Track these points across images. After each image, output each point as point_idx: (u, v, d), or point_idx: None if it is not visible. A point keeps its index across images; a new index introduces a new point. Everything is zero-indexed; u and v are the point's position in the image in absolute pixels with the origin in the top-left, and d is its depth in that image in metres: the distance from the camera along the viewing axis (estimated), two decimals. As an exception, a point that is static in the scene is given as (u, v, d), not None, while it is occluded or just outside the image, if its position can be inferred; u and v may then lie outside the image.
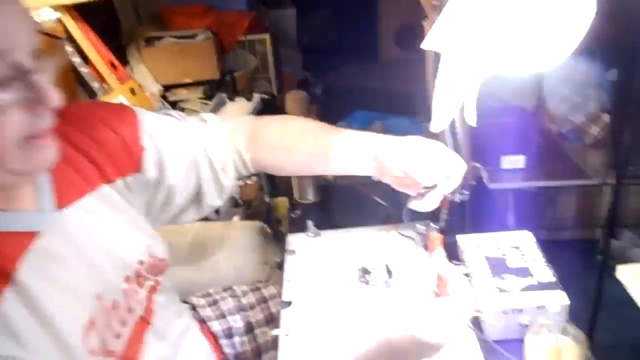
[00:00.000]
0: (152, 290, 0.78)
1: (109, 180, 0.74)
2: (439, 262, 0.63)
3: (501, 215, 1.13)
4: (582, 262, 2.12)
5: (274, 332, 0.87)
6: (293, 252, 1.06)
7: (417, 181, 0.82)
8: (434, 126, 0.82)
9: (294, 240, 1.09)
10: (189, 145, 0.84)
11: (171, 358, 0.79)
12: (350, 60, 3.86)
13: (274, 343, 0.85)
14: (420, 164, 0.81)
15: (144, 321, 0.74)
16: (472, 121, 0.80)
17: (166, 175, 0.81)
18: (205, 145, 0.85)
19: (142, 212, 0.81)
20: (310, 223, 1.09)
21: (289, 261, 1.03)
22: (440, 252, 0.82)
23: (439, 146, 0.83)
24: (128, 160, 0.76)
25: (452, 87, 0.72)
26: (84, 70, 2.03)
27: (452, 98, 0.75)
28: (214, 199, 0.89)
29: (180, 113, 0.91)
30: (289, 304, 0.92)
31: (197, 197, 0.87)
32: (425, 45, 0.71)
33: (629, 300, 0.87)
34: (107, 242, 0.70)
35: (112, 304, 0.68)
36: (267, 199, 1.85)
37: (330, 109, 2.88)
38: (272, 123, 0.94)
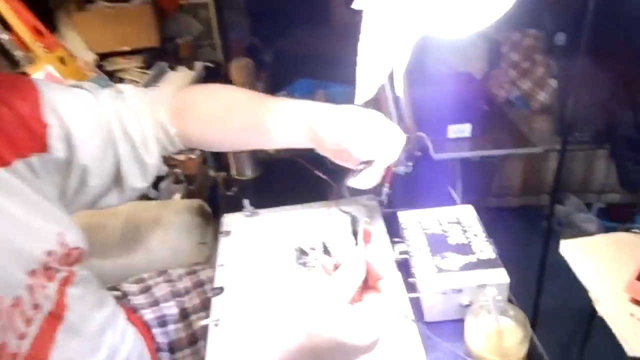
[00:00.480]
0: (65, 282, 0.71)
1: (3, 163, 0.65)
2: (370, 256, 0.57)
3: (446, 187, 1.09)
4: (528, 228, 2.17)
5: (203, 322, 0.81)
6: (228, 233, 0.99)
7: (352, 155, 0.76)
8: (359, 97, 0.76)
9: (229, 220, 1.02)
10: (103, 120, 0.75)
11: (89, 354, 0.72)
12: (301, 25, 3.72)
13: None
14: (354, 136, 0.76)
15: (54, 317, 0.67)
16: (400, 91, 0.74)
17: (77, 154, 0.72)
18: (122, 120, 0.78)
19: (54, 197, 0.73)
20: (246, 202, 1.02)
21: (223, 243, 0.97)
22: (374, 244, 0.77)
23: (376, 117, 0.77)
24: (28, 139, 0.67)
25: (378, 53, 0.65)
26: (4, 37, 1.85)
27: (378, 65, 0.68)
28: (136, 180, 0.81)
29: (92, 85, 0.81)
30: (220, 290, 0.86)
31: (117, 179, 0.80)
32: (355, 4, 0.63)
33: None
34: (3, 234, 0.62)
35: (13, 302, 0.60)
36: (212, 174, 1.76)
37: (280, 76, 2.77)
38: (200, 93, 0.87)
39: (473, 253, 0.76)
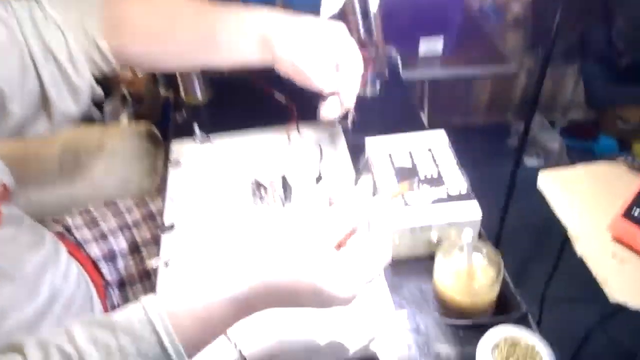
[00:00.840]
0: None
1: None
2: (375, 205, 0.51)
3: (413, 108, 1.02)
4: (493, 147, 2.16)
5: (152, 262, 0.75)
6: (177, 163, 0.90)
7: (310, 79, 0.69)
8: (325, 10, 0.66)
9: (178, 148, 0.93)
10: (17, 35, 0.64)
11: (25, 300, 0.66)
12: None
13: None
14: (313, 62, 0.69)
15: None
16: (374, 5, 0.65)
17: None
18: (41, 34, 0.66)
19: None
20: (196, 127, 0.92)
21: (173, 175, 0.88)
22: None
23: (338, 36, 0.70)
24: None
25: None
26: None
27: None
28: (67, 105, 0.71)
29: None
30: (171, 227, 0.79)
31: (44, 104, 0.69)
32: None
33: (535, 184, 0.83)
34: None
35: None
36: (163, 93, 1.61)
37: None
38: (137, 2, 0.75)
39: (444, 185, 0.70)
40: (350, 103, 0.73)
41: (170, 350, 0.44)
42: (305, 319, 0.64)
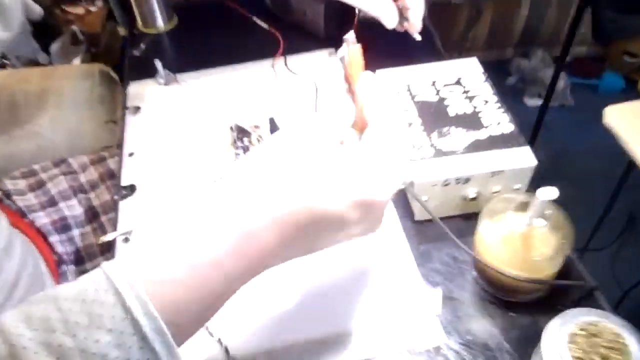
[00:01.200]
0: None
1: None
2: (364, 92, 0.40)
3: (425, 29, 0.84)
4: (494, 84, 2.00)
5: (107, 237, 0.59)
6: (136, 109, 0.72)
7: None
8: None
9: (137, 90, 0.75)
10: None
11: None
12: None
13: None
14: None
15: None
16: None
17: None
18: None
19: None
20: (158, 64, 0.74)
21: (131, 124, 0.70)
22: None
23: None
24: None
25: None
26: None
27: None
28: None
29: None
30: (131, 189, 0.62)
31: None
32: None
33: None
34: None
35: None
36: (121, 32, 1.40)
37: None
38: None
39: (484, 127, 0.54)
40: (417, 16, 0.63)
41: (142, 321, 0.27)
42: (308, 306, 0.49)
